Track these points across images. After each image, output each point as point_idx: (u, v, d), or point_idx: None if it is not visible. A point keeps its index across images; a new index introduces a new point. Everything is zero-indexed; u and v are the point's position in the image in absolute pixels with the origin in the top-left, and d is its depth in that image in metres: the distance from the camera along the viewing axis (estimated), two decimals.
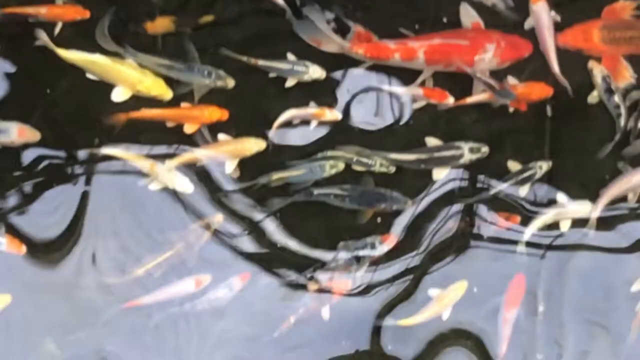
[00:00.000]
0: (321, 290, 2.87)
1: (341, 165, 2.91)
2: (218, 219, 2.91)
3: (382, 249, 2.88)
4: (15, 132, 2.86)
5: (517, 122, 3.04)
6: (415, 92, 3.00)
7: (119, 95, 2.90)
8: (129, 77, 2.89)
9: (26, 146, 2.93)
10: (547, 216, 2.93)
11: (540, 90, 2.98)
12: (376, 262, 2.89)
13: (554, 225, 2.94)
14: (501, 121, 3.03)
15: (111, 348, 2.85)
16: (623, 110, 2.92)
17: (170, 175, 2.90)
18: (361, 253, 2.86)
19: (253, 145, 2.93)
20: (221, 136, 2.97)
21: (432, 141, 2.97)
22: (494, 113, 3.01)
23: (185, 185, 2.92)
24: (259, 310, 2.89)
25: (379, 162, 2.91)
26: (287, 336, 2.85)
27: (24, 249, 2.86)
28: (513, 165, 2.99)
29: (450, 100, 2.96)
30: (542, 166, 2.96)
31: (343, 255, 2.88)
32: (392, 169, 2.93)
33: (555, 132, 3.04)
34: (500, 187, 2.95)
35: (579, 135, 3.04)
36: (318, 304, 2.85)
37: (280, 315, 2.85)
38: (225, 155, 2.94)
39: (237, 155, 2.94)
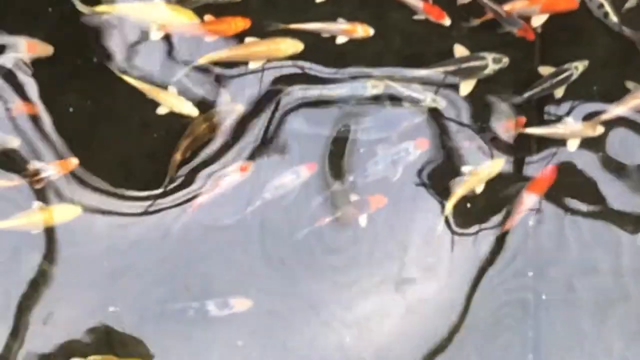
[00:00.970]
0: (360, 201, 2.87)
1: (382, 86, 2.88)
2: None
3: (416, 153, 2.89)
4: (25, 47, 2.76)
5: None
6: (415, 4, 2.96)
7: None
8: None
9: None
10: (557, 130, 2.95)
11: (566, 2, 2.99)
12: None
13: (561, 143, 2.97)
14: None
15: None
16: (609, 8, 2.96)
17: (176, 99, 2.86)
18: (396, 158, 2.87)
19: (289, 47, 2.85)
20: (249, 39, 2.89)
21: (459, 49, 2.96)
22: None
23: (189, 109, 2.86)
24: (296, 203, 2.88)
25: (430, 98, 2.90)
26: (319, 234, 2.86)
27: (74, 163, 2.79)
28: (545, 70, 2.97)
29: (447, 22, 2.96)
30: (578, 67, 2.95)
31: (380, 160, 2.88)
32: (443, 104, 2.93)
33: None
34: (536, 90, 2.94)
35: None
36: (357, 211, 2.86)
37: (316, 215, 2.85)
38: (256, 56, 2.88)
39: (271, 57, 2.88)
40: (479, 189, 2.89)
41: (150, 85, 2.86)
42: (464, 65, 2.92)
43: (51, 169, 2.77)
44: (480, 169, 2.89)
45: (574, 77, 2.94)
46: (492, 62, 2.91)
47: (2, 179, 2.76)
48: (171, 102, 2.85)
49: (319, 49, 2.91)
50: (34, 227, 2.74)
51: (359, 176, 2.88)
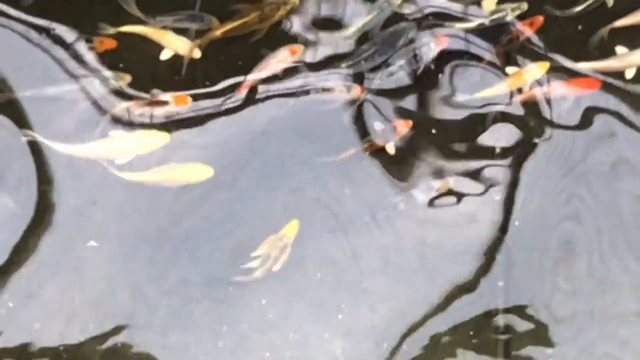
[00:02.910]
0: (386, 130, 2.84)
1: None
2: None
3: (438, 49, 2.88)
4: None
5: None
6: None
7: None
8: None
9: None
10: None
11: None
12: None
13: None
14: None
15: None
16: None
17: (178, 40, 2.84)
18: (417, 53, 2.88)
19: None
20: None
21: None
22: None
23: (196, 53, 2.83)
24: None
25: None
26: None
27: (189, 100, 2.82)
28: None
29: None
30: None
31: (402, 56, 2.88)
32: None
33: None
34: None
35: None
36: (384, 139, 2.84)
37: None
38: None
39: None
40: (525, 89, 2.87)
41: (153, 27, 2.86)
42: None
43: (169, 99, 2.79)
44: (524, 70, 2.89)
45: None
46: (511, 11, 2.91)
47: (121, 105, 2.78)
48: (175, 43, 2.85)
49: None
50: (170, 184, 2.73)
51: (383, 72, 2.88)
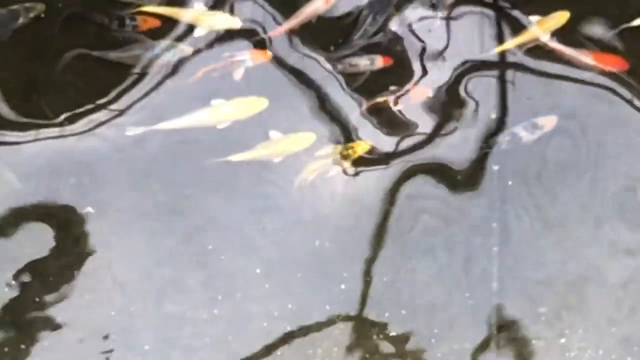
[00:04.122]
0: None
1: None
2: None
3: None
4: None
5: None
6: None
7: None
8: None
9: None
10: None
11: None
12: None
13: None
14: None
15: None
16: None
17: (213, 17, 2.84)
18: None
19: None
20: None
21: None
22: None
23: (231, 21, 2.85)
24: None
25: None
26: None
27: (269, 54, 2.83)
28: None
29: None
30: None
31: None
32: None
33: None
34: None
35: None
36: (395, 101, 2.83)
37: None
38: None
39: None
40: (544, 38, 2.86)
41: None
42: None
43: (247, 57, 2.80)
44: (547, 18, 2.87)
45: None
46: None
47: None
48: (208, 20, 2.84)
49: None
50: (275, 157, 2.74)
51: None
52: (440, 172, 2.79)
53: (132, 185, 2.71)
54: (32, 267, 2.63)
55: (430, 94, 2.83)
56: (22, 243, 2.65)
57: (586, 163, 2.81)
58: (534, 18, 2.89)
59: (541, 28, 2.87)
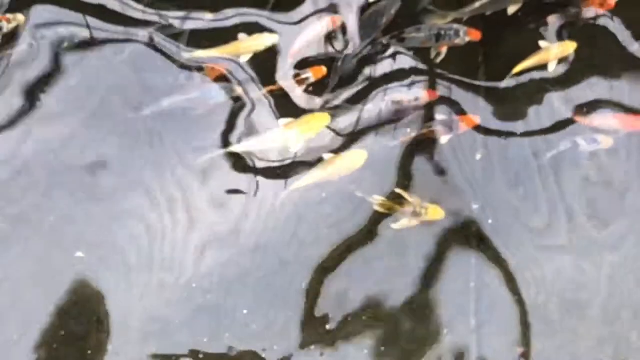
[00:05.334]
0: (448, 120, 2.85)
1: None
2: None
3: (465, 39, 2.87)
4: None
5: None
6: None
7: None
8: None
9: None
10: None
11: None
12: None
13: None
14: None
15: None
16: None
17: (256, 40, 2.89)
18: (443, 33, 2.86)
19: None
20: None
21: None
22: None
23: (271, 38, 2.89)
24: None
25: None
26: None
27: (325, 70, 2.87)
28: None
29: None
30: None
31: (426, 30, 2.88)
32: None
33: None
34: None
35: None
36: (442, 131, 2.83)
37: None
38: None
39: None
40: (551, 67, 2.91)
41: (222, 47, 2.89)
42: None
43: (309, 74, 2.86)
44: (554, 46, 2.92)
45: None
46: None
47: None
48: (251, 46, 2.89)
49: None
50: (332, 177, 2.74)
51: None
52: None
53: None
54: None
55: (479, 122, 2.83)
56: None
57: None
58: (543, 43, 2.92)
59: (548, 54, 2.90)
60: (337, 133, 2.82)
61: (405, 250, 2.70)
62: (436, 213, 2.68)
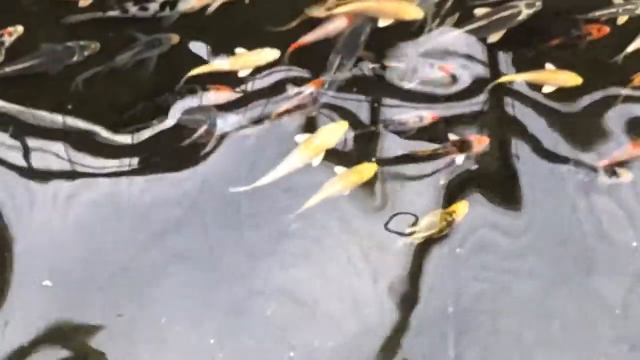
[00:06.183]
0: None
1: None
2: None
3: (436, 74, 2.90)
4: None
5: None
6: None
7: None
8: None
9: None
10: None
11: None
12: None
13: None
14: None
15: None
16: None
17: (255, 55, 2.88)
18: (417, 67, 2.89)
19: None
20: None
21: (479, 11, 2.95)
22: None
23: (272, 53, 2.88)
24: None
25: None
26: None
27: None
28: None
29: None
30: None
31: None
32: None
33: None
34: None
35: None
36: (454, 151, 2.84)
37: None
38: None
39: None
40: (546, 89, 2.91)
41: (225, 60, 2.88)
42: (496, 17, 2.91)
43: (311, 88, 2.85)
44: (554, 72, 2.93)
45: None
46: (525, 8, 2.92)
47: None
48: (252, 59, 2.88)
49: None
50: (345, 191, 2.76)
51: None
52: None
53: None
54: None
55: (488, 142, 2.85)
56: None
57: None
58: (549, 65, 2.93)
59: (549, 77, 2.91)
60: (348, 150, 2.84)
61: (378, 278, 2.70)
62: (463, 208, 2.74)
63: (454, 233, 2.72)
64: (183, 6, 2.88)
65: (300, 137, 2.77)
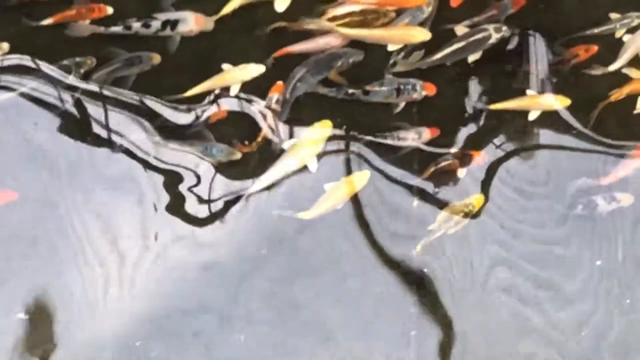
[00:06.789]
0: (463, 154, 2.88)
1: None
2: None
3: (422, 93, 2.89)
4: (193, 21, 2.88)
5: None
6: None
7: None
8: None
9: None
10: None
11: None
12: None
13: None
14: None
15: None
16: None
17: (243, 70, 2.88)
18: (402, 87, 2.88)
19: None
20: None
21: (459, 29, 3.00)
22: None
23: (257, 68, 2.87)
24: None
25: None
26: None
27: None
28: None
29: None
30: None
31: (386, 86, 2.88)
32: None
33: None
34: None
35: None
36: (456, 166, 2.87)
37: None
38: None
39: None
40: (531, 116, 2.93)
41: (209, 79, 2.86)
42: (470, 39, 2.96)
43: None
44: (536, 97, 2.96)
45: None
46: (494, 32, 2.96)
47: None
48: (237, 76, 2.88)
49: None
50: (340, 204, 2.77)
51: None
52: None
53: None
54: None
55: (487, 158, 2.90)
56: None
57: None
58: (530, 92, 2.96)
59: (531, 102, 2.95)
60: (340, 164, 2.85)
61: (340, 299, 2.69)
62: (480, 200, 2.79)
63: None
64: (182, 27, 2.85)
65: (287, 144, 2.79)
